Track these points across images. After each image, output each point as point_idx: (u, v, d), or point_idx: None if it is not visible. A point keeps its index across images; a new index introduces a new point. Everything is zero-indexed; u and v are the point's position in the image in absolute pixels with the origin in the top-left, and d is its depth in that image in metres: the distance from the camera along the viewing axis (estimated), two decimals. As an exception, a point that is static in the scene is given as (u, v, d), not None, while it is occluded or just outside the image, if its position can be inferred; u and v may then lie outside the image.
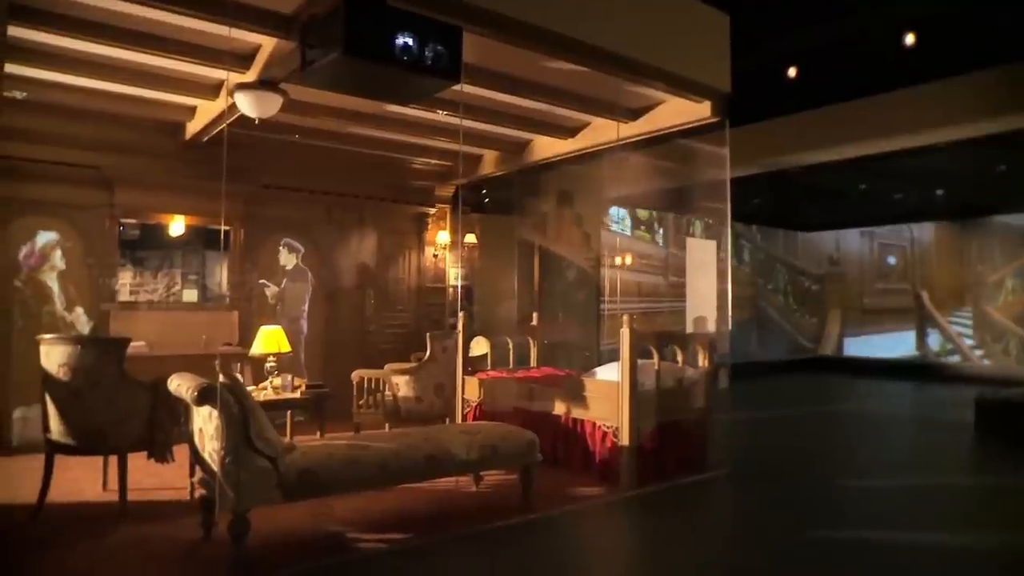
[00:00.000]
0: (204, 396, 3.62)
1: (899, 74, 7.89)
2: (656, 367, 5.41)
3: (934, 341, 14.26)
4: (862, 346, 15.21)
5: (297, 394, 5.69)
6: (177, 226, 7.33)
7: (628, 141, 6.77)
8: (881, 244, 15.45)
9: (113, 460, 4.62)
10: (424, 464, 4.24)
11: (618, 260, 10.85)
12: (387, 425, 6.33)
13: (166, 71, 5.51)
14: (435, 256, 9.33)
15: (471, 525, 4.34)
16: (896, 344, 14.58)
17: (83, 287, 6.72)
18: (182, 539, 3.97)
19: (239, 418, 3.59)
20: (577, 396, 5.60)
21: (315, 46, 4.30)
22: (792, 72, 8.12)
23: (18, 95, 5.82)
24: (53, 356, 4.33)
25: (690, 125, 6.28)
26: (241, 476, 3.54)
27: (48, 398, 4.37)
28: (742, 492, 5.46)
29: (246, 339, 6.89)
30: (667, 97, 6.15)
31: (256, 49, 5.04)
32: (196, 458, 4.10)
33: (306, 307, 8.21)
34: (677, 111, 6.27)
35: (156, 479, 5.05)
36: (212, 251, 7.68)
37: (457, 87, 4.76)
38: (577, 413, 5.59)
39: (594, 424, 5.45)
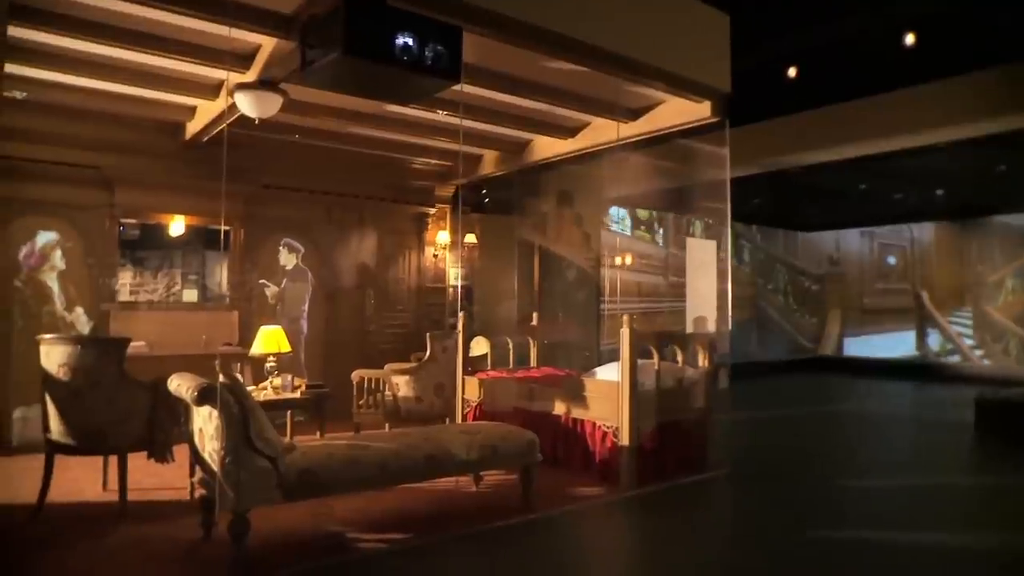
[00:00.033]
0: (204, 396, 3.62)
1: (899, 74, 7.89)
2: (656, 367, 5.41)
3: (934, 341, 14.26)
4: (862, 346, 15.20)
5: (297, 394, 5.70)
6: (177, 226, 7.33)
7: (628, 141, 6.77)
8: (881, 244, 15.45)
9: (113, 460, 4.62)
10: (424, 464, 4.24)
11: (618, 260, 10.86)
12: (387, 425, 6.33)
13: (166, 71, 5.51)
14: (435, 256, 9.33)
15: (471, 525, 4.34)
16: (896, 344, 14.58)
17: (83, 287, 6.73)
18: (182, 539, 3.97)
19: (239, 418, 3.59)
20: (577, 396, 5.60)
21: (315, 46, 4.30)
22: (792, 72, 8.12)
23: (18, 95, 5.82)
24: (53, 356, 4.33)
25: (690, 125, 6.28)
26: (241, 476, 3.54)
27: (48, 398, 4.37)
28: (742, 492, 5.46)
29: (246, 339, 6.89)
30: (667, 97, 6.15)
31: (256, 49, 5.04)
32: (196, 458, 4.10)
33: (306, 307, 8.21)
34: (677, 111, 6.27)
35: (156, 479, 5.05)
36: (212, 251, 7.68)
37: (457, 87, 4.76)
38: (577, 413, 5.59)
39: (594, 424, 5.45)
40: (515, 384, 6.25)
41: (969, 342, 13.76)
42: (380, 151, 7.95)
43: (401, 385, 6.46)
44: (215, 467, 3.61)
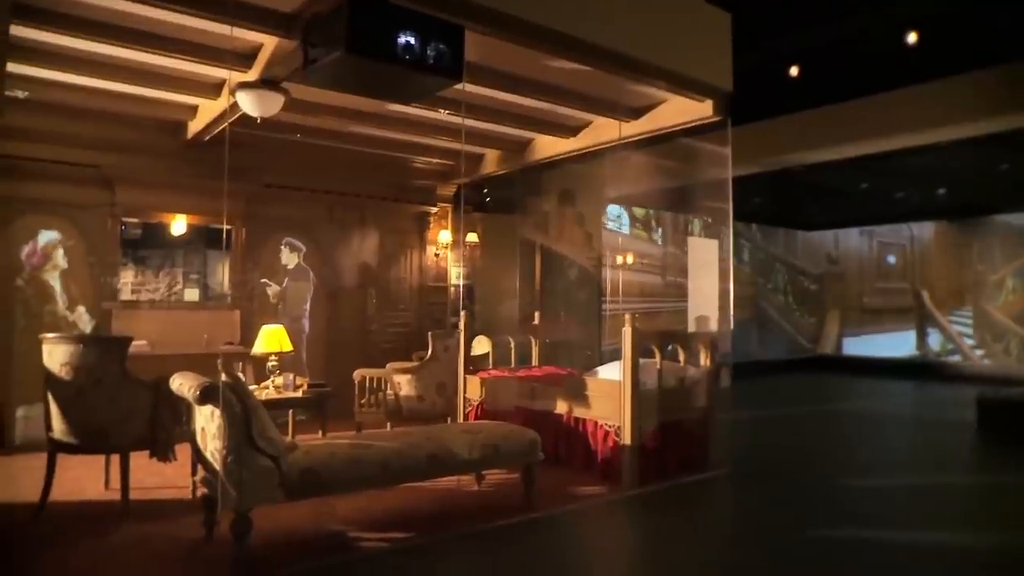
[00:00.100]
0: (206, 395, 3.62)
1: (900, 73, 7.90)
2: (658, 366, 5.41)
3: (934, 341, 14.26)
4: (862, 345, 15.20)
5: (299, 393, 5.70)
6: (179, 225, 7.34)
7: (630, 140, 6.77)
8: (880, 243, 15.43)
9: (115, 459, 4.62)
10: (426, 463, 4.24)
11: (619, 259, 10.86)
12: (389, 424, 6.34)
13: (168, 70, 5.51)
14: (437, 255, 9.34)
15: (473, 524, 4.34)
16: (896, 343, 14.57)
17: (85, 286, 6.73)
18: (184, 538, 3.97)
19: (241, 417, 3.59)
20: (579, 395, 5.60)
21: (317, 45, 4.30)
22: (794, 71, 8.12)
23: (20, 94, 5.82)
24: (55, 355, 4.33)
25: (692, 124, 6.28)
26: (243, 475, 3.54)
27: (50, 397, 4.38)
28: (743, 491, 5.46)
29: (248, 338, 6.89)
30: (669, 96, 6.15)
31: (258, 48, 5.04)
32: (198, 457, 4.10)
33: (308, 306, 8.21)
34: (679, 110, 6.27)
35: (158, 478, 5.05)
36: (214, 250, 7.68)
37: (459, 86, 4.77)
38: (579, 412, 5.59)
39: (596, 423, 5.45)
40: (517, 383, 6.25)
41: (969, 341, 13.76)
42: (382, 150, 7.95)
43: (403, 384, 6.46)
44: (217, 466, 3.61)
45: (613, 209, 10.90)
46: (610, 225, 10.96)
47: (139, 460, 4.52)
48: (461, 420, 6.40)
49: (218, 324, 7.22)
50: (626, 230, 11.40)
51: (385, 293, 8.83)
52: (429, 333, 6.77)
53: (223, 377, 3.61)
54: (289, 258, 8.10)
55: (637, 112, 6.55)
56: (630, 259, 11.10)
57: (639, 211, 11.56)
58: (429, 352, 6.58)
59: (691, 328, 7.50)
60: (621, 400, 5.20)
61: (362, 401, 6.49)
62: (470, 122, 6.70)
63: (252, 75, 5.22)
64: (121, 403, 4.39)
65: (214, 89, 5.89)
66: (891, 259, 15.31)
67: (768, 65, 8.04)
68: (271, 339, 5.78)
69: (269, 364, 5.78)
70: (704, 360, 5.86)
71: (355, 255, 8.55)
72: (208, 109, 6.27)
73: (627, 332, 5.17)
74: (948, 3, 7.01)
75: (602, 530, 4.66)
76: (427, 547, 3.99)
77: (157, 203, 7.17)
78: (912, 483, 5.79)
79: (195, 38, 4.84)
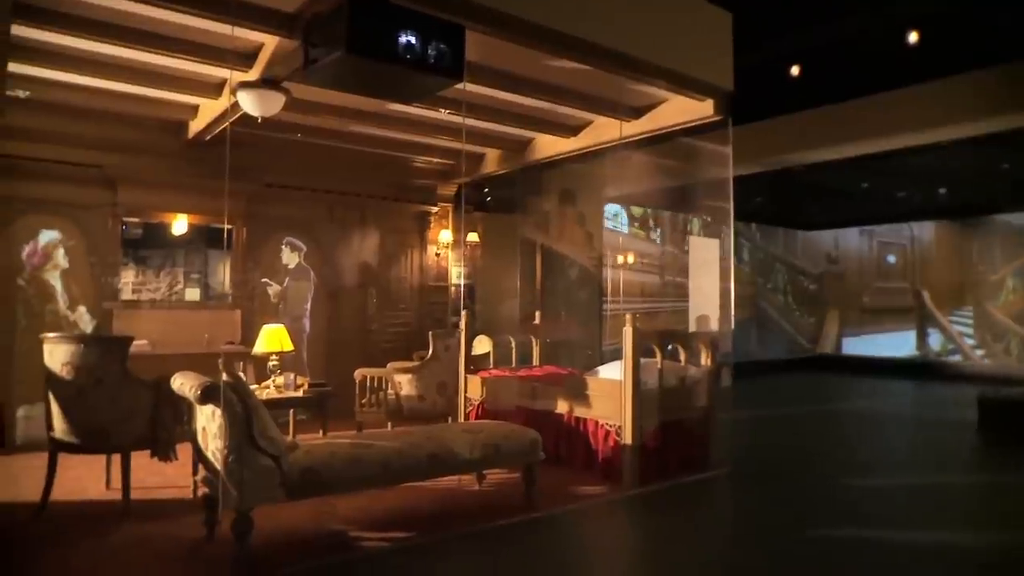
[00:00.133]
0: (207, 395, 3.63)
1: (900, 73, 7.90)
2: (659, 366, 5.41)
3: (935, 340, 14.25)
4: (862, 345, 15.19)
5: (300, 393, 5.71)
6: (180, 225, 7.34)
7: (631, 140, 6.77)
8: (880, 243, 15.43)
9: (116, 458, 4.61)
10: (427, 463, 4.24)
11: (620, 259, 10.86)
12: (389, 424, 6.34)
13: (169, 70, 5.51)
14: (437, 255, 9.34)
15: (474, 524, 4.35)
16: (896, 343, 14.57)
17: (86, 286, 6.73)
18: (185, 538, 3.97)
19: (242, 417, 3.60)
20: (580, 395, 5.61)
21: (318, 44, 4.30)
22: (794, 71, 8.12)
23: (22, 94, 5.82)
24: (56, 355, 4.34)
25: (693, 123, 6.28)
26: (244, 475, 3.55)
27: (51, 397, 4.38)
28: (743, 491, 5.46)
29: (249, 338, 6.89)
30: (669, 95, 6.15)
31: (259, 48, 5.04)
32: (199, 457, 4.11)
33: (308, 306, 8.21)
34: (680, 109, 6.27)
35: (159, 478, 5.06)
36: (215, 250, 7.69)
37: (460, 85, 4.77)
38: (580, 412, 5.59)
39: (597, 423, 5.45)
40: (517, 383, 6.26)
41: (970, 341, 13.76)
42: (382, 150, 7.96)
43: (404, 384, 6.46)
44: (218, 466, 3.62)
45: (611, 208, 10.90)
46: (608, 223, 10.96)
47: (140, 460, 4.52)
48: (462, 420, 6.40)
49: (219, 324, 7.22)
50: (624, 229, 11.40)
51: (386, 293, 8.83)
52: (430, 333, 6.77)
53: (224, 377, 3.61)
54: (290, 258, 8.10)
55: (638, 112, 6.55)
56: (631, 259, 11.10)
57: (637, 210, 11.56)
58: (430, 352, 6.58)
59: (692, 328, 7.49)
60: (622, 400, 5.20)
61: (363, 401, 6.49)
62: (471, 122, 6.70)
63: (253, 75, 5.23)
64: (122, 403, 4.39)
65: (215, 89, 5.90)
66: (891, 259, 15.31)
67: (769, 65, 8.04)
68: (272, 339, 5.78)
69: (270, 364, 5.78)
70: (705, 360, 5.86)
71: (356, 255, 8.56)
72: (209, 109, 6.27)
73: (628, 332, 5.17)
74: (948, 3, 7.00)
75: (603, 530, 4.66)
76: (428, 547, 3.99)
77: (158, 203, 7.17)
78: (912, 483, 5.79)
79: (196, 38, 4.84)
